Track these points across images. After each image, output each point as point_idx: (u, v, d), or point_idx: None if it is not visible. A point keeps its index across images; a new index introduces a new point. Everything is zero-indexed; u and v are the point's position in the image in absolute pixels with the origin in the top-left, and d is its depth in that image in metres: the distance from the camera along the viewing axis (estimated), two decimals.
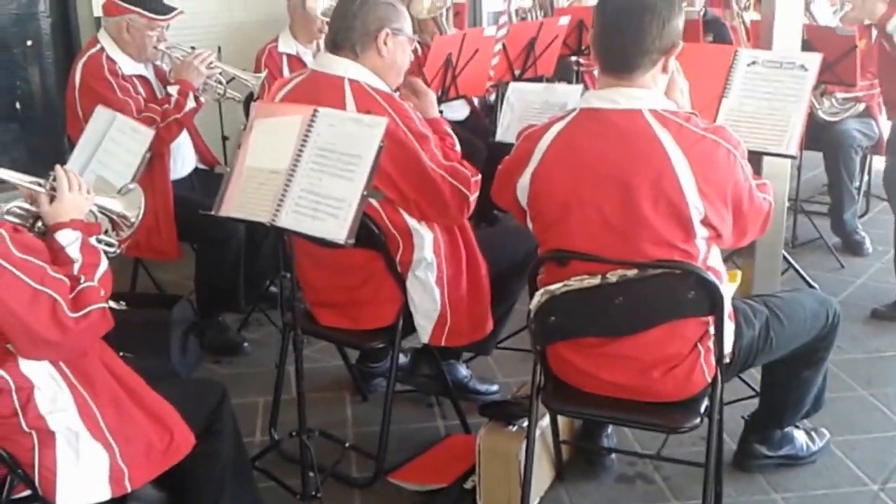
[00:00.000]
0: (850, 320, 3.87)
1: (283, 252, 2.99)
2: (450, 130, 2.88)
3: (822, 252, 4.76)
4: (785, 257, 4.10)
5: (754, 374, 3.01)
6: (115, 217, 2.33)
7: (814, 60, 2.92)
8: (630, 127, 2.19)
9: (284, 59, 4.60)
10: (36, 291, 1.87)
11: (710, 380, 2.35)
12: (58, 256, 1.99)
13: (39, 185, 2.14)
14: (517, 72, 4.80)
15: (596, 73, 4.39)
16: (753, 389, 3.08)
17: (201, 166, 4.20)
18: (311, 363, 3.65)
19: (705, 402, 2.39)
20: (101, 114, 3.21)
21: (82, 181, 2.17)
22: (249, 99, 4.24)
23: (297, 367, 2.66)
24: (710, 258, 2.30)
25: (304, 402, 2.67)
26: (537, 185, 2.30)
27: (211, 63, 3.88)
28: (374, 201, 2.67)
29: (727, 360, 2.38)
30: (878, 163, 5.14)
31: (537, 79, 4.85)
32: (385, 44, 2.73)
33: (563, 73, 5.81)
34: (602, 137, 2.22)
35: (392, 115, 2.60)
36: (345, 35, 2.73)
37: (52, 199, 2.12)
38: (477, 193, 2.79)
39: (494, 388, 3.42)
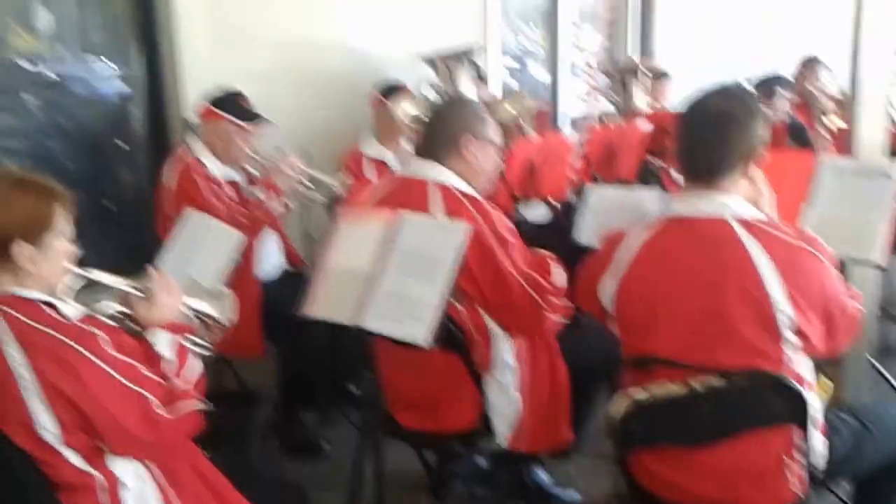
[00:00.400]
0: None
1: (363, 353, 3.03)
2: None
3: None
4: (873, 365, 3.97)
5: (846, 487, 2.90)
6: (206, 319, 2.40)
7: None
8: (716, 234, 2.21)
9: (368, 162, 4.73)
10: (129, 390, 1.93)
11: (800, 494, 2.28)
12: (150, 356, 2.05)
13: (134, 287, 2.21)
14: (598, 175, 4.85)
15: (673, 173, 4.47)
16: (844, 501, 2.97)
17: (289, 268, 4.31)
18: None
19: None
20: (191, 216, 3.31)
21: (175, 284, 2.25)
22: (332, 201, 4.39)
23: (376, 470, 2.66)
24: (798, 366, 2.26)
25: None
26: (624, 290, 2.32)
27: (298, 167, 4.03)
28: (456, 303, 2.70)
29: (821, 474, 2.31)
30: None
31: (618, 181, 4.89)
32: (468, 149, 2.82)
33: (643, 174, 5.84)
34: (689, 245, 2.24)
35: (476, 218, 2.66)
36: (430, 141, 2.86)
37: (146, 300, 2.19)
38: (558, 314, 2.79)
39: (576, 494, 3.36)
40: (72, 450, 1.92)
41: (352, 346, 4.06)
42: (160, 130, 4.92)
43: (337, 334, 3.94)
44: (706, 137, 2.25)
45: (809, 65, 6.79)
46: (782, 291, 2.13)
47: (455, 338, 2.76)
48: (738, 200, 2.27)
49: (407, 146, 4.89)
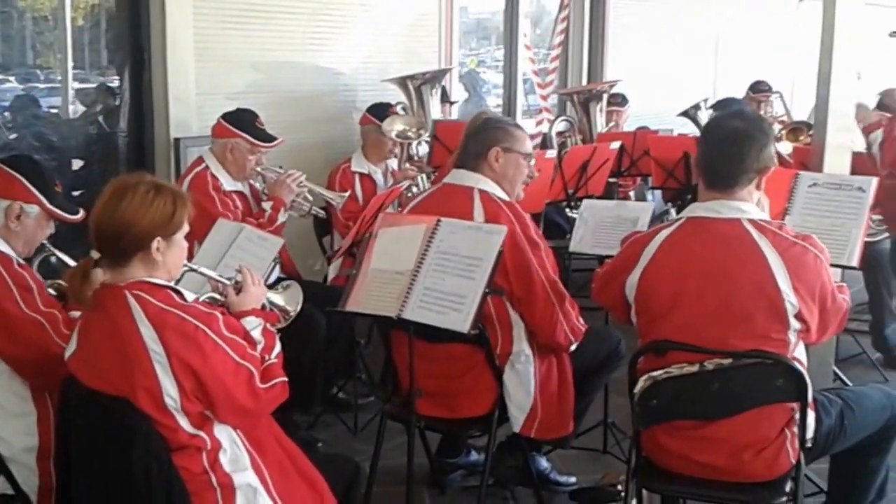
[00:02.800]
0: None
1: (389, 347, 3.27)
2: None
3: (866, 367, 5.00)
4: (836, 374, 4.37)
5: (821, 472, 3.23)
6: (277, 310, 2.66)
7: (870, 183, 3.28)
8: (732, 233, 2.55)
9: (357, 177, 4.99)
10: (238, 365, 2.21)
11: (794, 462, 2.61)
12: (248, 337, 2.31)
13: (228, 279, 2.53)
14: (570, 191, 5.18)
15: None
16: (819, 487, 3.31)
17: (282, 275, 4.51)
18: (385, 460, 3.77)
19: (789, 484, 2.64)
20: (223, 225, 3.54)
21: (259, 278, 2.51)
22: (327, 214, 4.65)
23: (409, 456, 2.92)
24: (797, 351, 2.60)
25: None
26: (647, 281, 2.63)
27: (301, 182, 4.27)
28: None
29: (809, 444, 2.64)
30: None
31: (588, 198, 5.22)
32: (497, 160, 3.15)
33: (606, 194, 6.20)
34: (708, 242, 2.58)
35: (512, 221, 2.98)
36: (466, 153, 3.20)
37: (237, 291, 2.48)
38: (571, 321, 3.08)
39: (573, 479, 3.65)
40: (185, 416, 2.17)
41: (341, 350, 4.35)
42: (146, 146, 5.11)
43: (332, 339, 4.20)
44: (726, 151, 2.61)
45: (758, 88, 7.27)
46: (788, 283, 2.49)
47: (478, 332, 3.02)
48: (752, 206, 2.62)
49: (393, 163, 5.18)
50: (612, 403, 3.86)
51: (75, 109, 5.18)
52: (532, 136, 7.49)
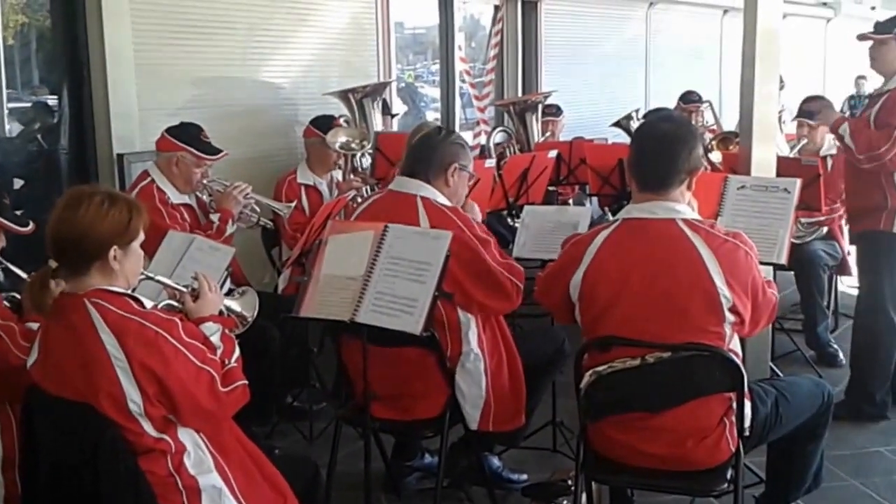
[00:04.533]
0: (834, 423, 4.21)
1: (340, 353, 3.34)
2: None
3: (801, 364, 5.18)
4: (773, 370, 4.57)
5: (760, 464, 3.39)
6: (234, 316, 2.72)
7: (795, 184, 3.46)
8: (667, 232, 2.69)
9: (303, 189, 5.07)
10: (199, 369, 2.27)
11: (733, 450, 2.75)
12: (207, 342, 2.37)
13: (185, 286, 2.58)
14: (511, 200, 5.30)
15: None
16: (759, 476, 3.47)
17: (232, 286, 4.55)
18: (342, 466, 3.86)
19: (730, 471, 2.78)
20: (175, 237, 3.59)
21: (216, 284, 2.57)
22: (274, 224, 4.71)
23: (366, 457, 3.01)
24: (732, 343, 2.74)
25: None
26: (589, 280, 2.75)
27: (247, 194, 4.33)
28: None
29: (747, 432, 2.78)
30: (843, 283, 5.79)
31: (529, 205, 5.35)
32: (452, 175, 3.27)
33: (546, 202, 6.35)
34: (645, 241, 2.71)
35: (459, 224, 3.10)
36: (422, 164, 3.28)
37: (195, 298, 2.54)
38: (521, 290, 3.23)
39: (524, 476, 3.75)
40: (149, 420, 2.23)
41: (297, 360, 4.41)
42: (89, 163, 5.11)
43: (285, 350, 4.26)
44: (658, 153, 2.74)
45: (688, 99, 7.51)
46: (722, 278, 2.62)
47: (429, 335, 3.12)
48: (684, 206, 2.75)
49: (337, 174, 5.26)
50: (560, 405, 3.98)
51: (11, 129, 5.17)
52: (471, 148, 7.68)
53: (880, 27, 4.26)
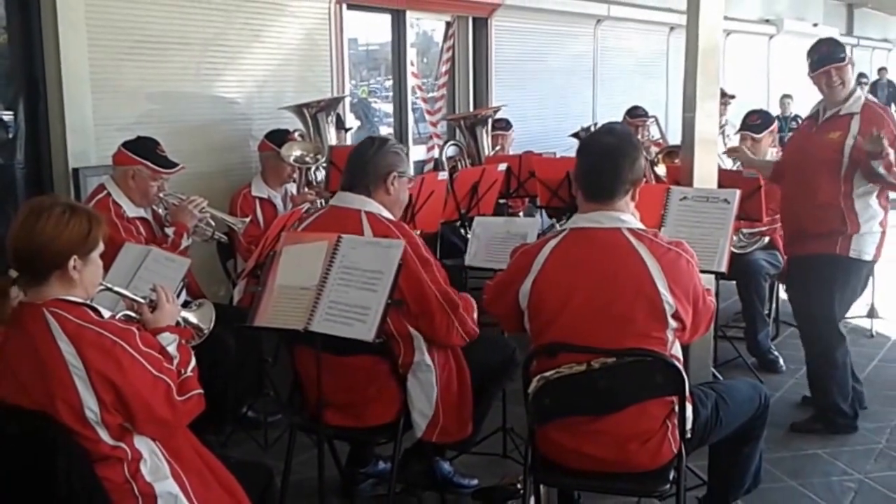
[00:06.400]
0: (774, 427, 4.29)
1: (295, 362, 3.40)
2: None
3: (743, 370, 5.32)
4: (715, 375, 4.71)
5: (702, 467, 3.50)
6: (191, 327, 2.78)
7: (734, 195, 3.61)
8: (613, 241, 2.80)
9: (257, 202, 5.14)
10: (156, 378, 2.33)
11: (676, 452, 2.85)
12: (163, 352, 2.43)
13: (142, 298, 2.63)
14: (463, 211, 5.41)
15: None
16: (701, 478, 3.58)
17: (188, 298, 4.59)
18: (296, 474, 3.77)
19: (672, 472, 2.89)
20: (131, 248, 3.63)
21: (173, 295, 2.63)
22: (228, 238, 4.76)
23: (319, 464, 3.05)
24: (674, 349, 2.85)
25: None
26: (538, 289, 2.84)
27: (203, 208, 4.38)
28: None
29: (689, 435, 2.88)
30: (784, 291, 5.86)
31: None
32: (392, 184, 3.31)
33: (496, 214, 6.46)
34: (591, 250, 2.81)
35: (402, 239, 3.12)
36: (361, 177, 3.31)
37: (152, 309, 2.59)
38: (466, 326, 3.26)
39: (475, 481, 3.83)
40: (105, 428, 2.28)
41: (252, 370, 4.45)
42: (44, 177, 5.11)
43: (240, 359, 4.30)
44: (603, 164, 2.85)
45: (635, 114, 7.68)
46: (666, 285, 2.73)
47: (381, 342, 3.19)
48: (629, 216, 2.87)
49: (292, 187, 5.33)
50: (511, 412, 4.06)
51: None
52: (424, 162, 7.80)
53: (831, 55, 4.28)
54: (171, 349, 2.47)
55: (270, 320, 3.03)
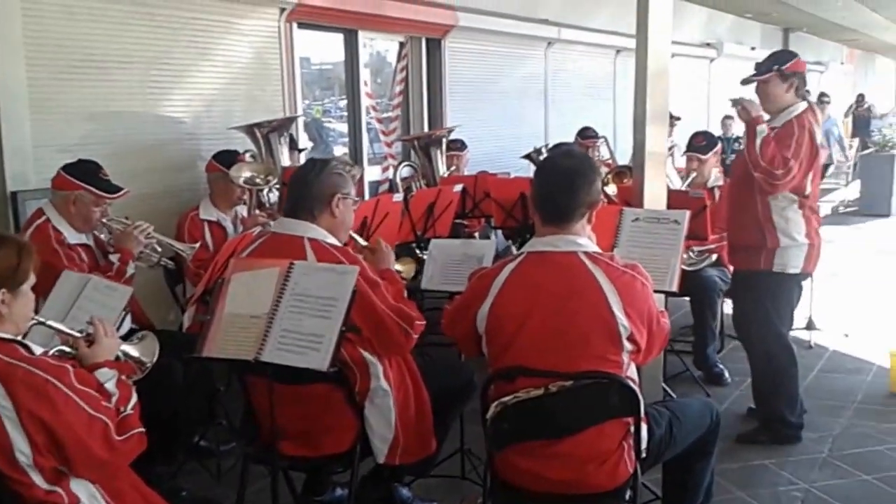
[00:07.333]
0: (721, 438, 4.28)
1: (247, 392, 3.32)
2: (399, 280, 3.38)
3: (690, 383, 5.41)
4: (665, 390, 4.74)
5: (656, 482, 3.51)
6: (132, 361, 2.67)
7: (684, 216, 3.63)
8: (570, 265, 2.79)
9: (206, 225, 5.03)
10: (92, 417, 2.22)
11: (632, 471, 2.85)
12: (101, 389, 2.33)
13: (79, 332, 2.52)
14: (419, 232, 5.37)
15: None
16: (655, 493, 3.59)
17: (134, 326, 4.48)
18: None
19: (628, 492, 2.88)
20: (70, 277, 3.50)
21: (112, 329, 2.53)
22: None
23: (273, 497, 3.00)
24: (629, 371, 2.85)
25: None
26: (496, 312, 2.82)
27: (149, 233, 4.27)
28: None
29: (644, 454, 2.88)
30: (728, 306, 5.97)
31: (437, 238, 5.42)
32: (337, 206, 3.25)
33: (452, 235, 6.44)
34: (548, 274, 2.80)
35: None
36: (304, 201, 3.23)
37: (89, 343, 2.48)
38: (419, 332, 3.25)
39: None
40: (38, 471, 2.17)
41: (203, 398, 4.36)
42: None
43: (190, 387, 4.20)
44: (559, 188, 2.83)
45: (586, 135, 7.75)
46: (621, 308, 2.73)
47: (336, 371, 3.13)
48: (585, 239, 2.86)
49: (242, 209, 5.25)
50: (469, 432, 4.03)
51: None
52: (379, 182, 7.76)
53: (761, 67, 4.38)
54: (110, 386, 2.37)
55: (220, 350, 2.95)
